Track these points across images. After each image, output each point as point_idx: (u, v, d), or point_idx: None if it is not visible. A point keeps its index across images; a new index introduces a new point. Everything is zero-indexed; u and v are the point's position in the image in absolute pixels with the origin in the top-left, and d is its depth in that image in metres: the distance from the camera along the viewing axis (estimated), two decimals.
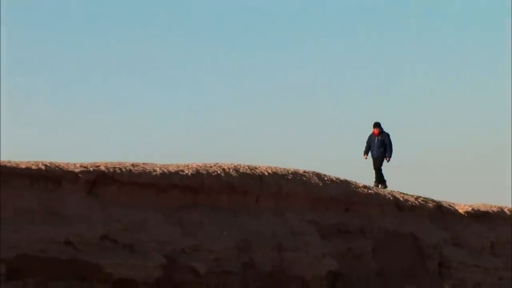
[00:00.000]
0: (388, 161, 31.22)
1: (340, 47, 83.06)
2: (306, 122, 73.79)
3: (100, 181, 24.55)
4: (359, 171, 33.97)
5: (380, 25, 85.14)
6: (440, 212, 31.84)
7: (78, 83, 71.64)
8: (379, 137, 30.75)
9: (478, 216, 32.49)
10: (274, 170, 27.94)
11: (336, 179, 29.50)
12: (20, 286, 21.75)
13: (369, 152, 31.48)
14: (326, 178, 29.06)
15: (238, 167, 27.22)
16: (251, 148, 59.22)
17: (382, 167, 31.49)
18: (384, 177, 31.32)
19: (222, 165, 27.01)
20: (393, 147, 31.07)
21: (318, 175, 28.95)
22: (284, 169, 28.35)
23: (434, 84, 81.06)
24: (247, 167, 27.40)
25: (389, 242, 29.85)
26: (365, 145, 31.55)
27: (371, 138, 31.28)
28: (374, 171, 31.75)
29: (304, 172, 28.76)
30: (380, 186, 30.96)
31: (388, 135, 31.08)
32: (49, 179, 23.80)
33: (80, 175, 24.12)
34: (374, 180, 31.34)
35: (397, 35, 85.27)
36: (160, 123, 68.71)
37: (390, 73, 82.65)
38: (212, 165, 26.83)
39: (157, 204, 25.31)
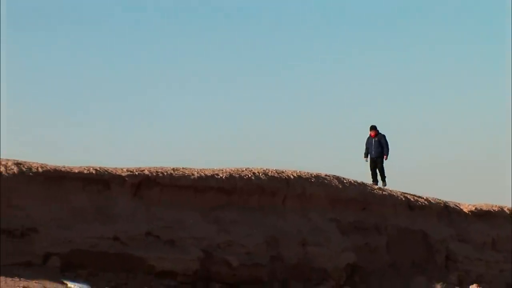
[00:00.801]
0: (386, 159, 31.02)
1: (356, 54, 79.76)
2: (328, 129, 70.96)
3: (144, 184, 24.63)
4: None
5: (379, 26, 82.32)
6: (447, 211, 31.72)
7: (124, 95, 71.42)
8: (376, 139, 30.59)
9: (481, 215, 32.36)
10: (299, 174, 27.94)
11: (354, 181, 29.47)
12: (72, 277, 21.78)
13: (368, 154, 31.25)
14: (345, 181, 29.05)
15: (267, 171, 27.23)
16: (278, 153, 58.95)
17: (384, 165, 31.23)
18: (385, 174, 31.12)
19: (252, 169, 27.02)
20: (389, 146, 30.86)
21: (337, 178, 28.94)
22: (308, 173, 28.31)
23: (441, 90, 78.71)
24: (274, 171, 27.42)
25: (401, 238, 29.76)
26: (365, 148, 31.31)
27: (368, 141, 31.08)
28: (370, 171, 31.45)
29: (326, 175, 28.72)
30: (382, 183, 30.72)
31: (384, 136, 30.93)
32: (99, 182, 23.94)
33: (126, 179, 24.22)
34: (373, 180, 31.06)
35: (399, 36, 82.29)
36: (197, 131, 68.25)
37: (394, 75, 79.89)
38: (244, 169, 26.85)
39: (195, 204, 25.36)
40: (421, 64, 79.68)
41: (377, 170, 31.27)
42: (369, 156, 31.35)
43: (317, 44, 78.46)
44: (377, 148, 30.55)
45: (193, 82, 73.89)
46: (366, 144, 31.05)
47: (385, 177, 31.03)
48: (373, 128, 30.79)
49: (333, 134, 71.19)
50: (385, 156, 30.83)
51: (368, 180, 31.26)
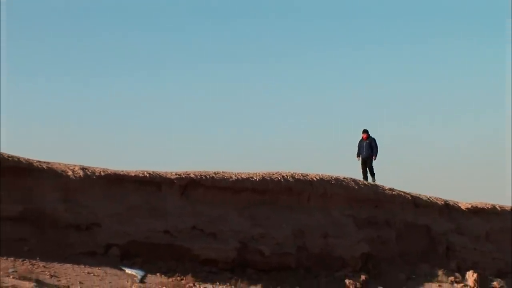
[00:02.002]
0: (374, 159, 30.55)
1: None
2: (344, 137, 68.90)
3: (190, 185, 24.63)
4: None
5: (380, 26, 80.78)
6: (447, 208, 31.47)
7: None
8: (367, 141, 30.20)
9: (476, 212, 32.12)
10: (321, 176, 27.81)
11: (368, 183, 29.29)
12: (129, 265, 21.75)
13: (360, 155, 30.83)
14: (360, 183, 28.96)
15: (294, 174, 27.13)
16: (304, 158, 58.84)
17: (374, 165, 30.82)
18: (374, 170, 30.74)
19: (281, 172, 26.94)
20: (378, 148, 30.53)
21: (354, 180, 28.81)
22: (329, 175, 28.18)
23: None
24: (300, 174, 27.31)
25: (408, 231, 29.55)
26: (357, 149, 30.85)
27: (360, 143, 30.66)
28: (361, 170, 30.94)
29: (344, 178, 28.58)
30: (372, 179, 30.35)
31: (374, 139, 30.48)
32: (152, 183, 23.97)
33: (175, 181, 24.26)
34: (363, 177, 30.66)
35: (399, 36, 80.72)
36: (235, 139, 68.19)
37: (395, 77, 79.06)
38: (275, 172, 26.76)
39: (233, 203, 25.31)
40: (422, 66, 78.73)
41: (367, 169, 30.83)
42: (360, 157, 30.94)
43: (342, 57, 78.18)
44: (368, 150, 30.15)
45: (226, 97, 73.76)
46: (358, 145, 30.60)
47: (374, 174, 30.51)
48: (365, 131, 30.42)
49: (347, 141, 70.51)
50: (374, 157, 30.41)
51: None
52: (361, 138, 30.54)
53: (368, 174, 30.73)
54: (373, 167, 30.56)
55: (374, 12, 78.24)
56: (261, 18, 77.00)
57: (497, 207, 32.73)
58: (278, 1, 76.99)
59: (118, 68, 72.30)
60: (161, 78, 73.53)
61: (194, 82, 73.47)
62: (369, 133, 30.39)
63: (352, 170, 30.69)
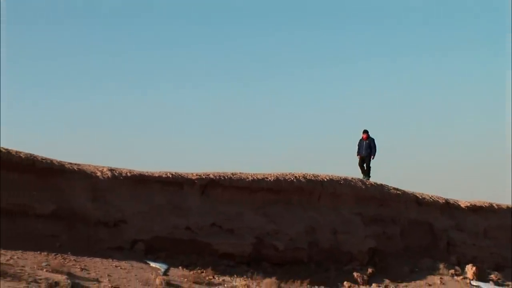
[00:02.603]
0: (373, 159, 30.25)
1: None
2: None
3: (210, 185, 24.59)
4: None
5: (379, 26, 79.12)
6: (448, 206, 31.33)
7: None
8: (367, 141, 29.92)
9: (475, 210, 32.00)
10: (331, 177, 27.72)
11: (374, 183, 29.21)
12: (154, 259, 21.73)
13: (359, 153, 30.55)
14: (367, 183, 28.78)
15: (306, 175, 27.05)
16: (315, 160, 58.75)
17: (371, 164, 30.49)
18: (370, 171, 30.44)
19: (294, 173, 26.87)
20: (377, 148, 30.25)
21: (361, 180, 28.75)
22: (338, 176, 28.09)
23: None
24: (311, 175, 27.23)
25: (411, 227, 29.46)
26: (357, 148, 30.52)
27: (360, 142, 30.37)
28: (359, 168, 30.56)
29: (352, 178, 28.51)
30: (366, 178, 30.10)
31: (373, 139, 30.17)
32: (174, 183, 23.97)
33: (196, 181, 24.23)
34: (362, 174, 30.33)
35: (401, 37, 79.08)
36: (251, 142, 68.07)
37: (398, 79, 77.88)
38: (288, 173, 26.69)
39: (249, 201, 25.25)
40: (424, 69, 77.73)
41: (365, 167, 30.56)
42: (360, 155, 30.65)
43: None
44: (367, 149, 29.86)
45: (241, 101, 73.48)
46: (358, 144, 30.31)
47: (370, 173, 30.26)
48: (365, 132, 30.14)
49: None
50: (372, 156, 30.16)
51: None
52: (361, 138, 30.31)
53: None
54: (371, 167, 30.33)
55: (375, 13, 77.22)
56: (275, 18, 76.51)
57: (494, 205, 32.64)
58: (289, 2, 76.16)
59: (138, 74, 72.09)
60: (179, 84, 73.78)
61: (212, 87, 73.58)
62: (369, 133, 30.15)
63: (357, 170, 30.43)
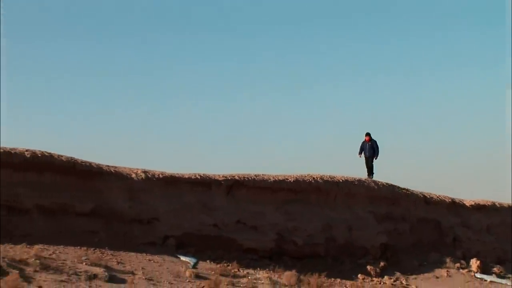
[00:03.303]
0: (375, 159, 29.59)
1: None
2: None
3: (235, 186, 24.52)
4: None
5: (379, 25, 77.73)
6: (454, 205, 31.09)
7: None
8: (370, 143, 29.45)
9: (479, 208, 31.76)
10: (346, 178, 27.56)
11: (386, 183, 28.96)
12: (184, 253, 21.70)
13: (362, 153, 29.95)
14: (379, 183, 28.57)
15: (323, 176, 26.89)
16: (331, 162, 58.45)
17: (374, 164, 29.78)
18: (374, 170, 29.79)
19: (312, 175, 26.72)
20: (379, 149, 29.63)
21: (374, 181, 28.52)
22: (352, 177, 27.93)
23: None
24: (328, 176, 27.07)
25: (420, 224, 29.23)
26: (359, 149, 29.77)
27: (363, 144, 29.75)
28: (366, 168, 29.80)
29: (365, 179, 28.35)
30: (369, 176, 29.66)
31: (375, 141, 29.61)
32: (203, 184, 23.94)
33: (222, 182, 24.17)
34: (367, 173, 29.74)
35: (401, 37, 77.23)
36: (272, 146, 67.73)
37: (401, 83, 76.18)
38: (306, 175, 26.56)
39: (271, 200, 25.12)
40: (425, 70, 76.20)
41: (370, 167, 30.08)
42: (362, 155, 30.09)
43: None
44: (370, 150, 29.32)
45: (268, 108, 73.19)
46: (361, 146, 29.69)
47: (373, 172, 29.65)
48: (368, 134, 29.62)
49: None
50: (375, 157, 29.73)
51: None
52: (364, 140, 29.87)
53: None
54: (373, 166, 29.88)
55: (376, 14, 76.13)
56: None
57: (496, 204, 32.45)
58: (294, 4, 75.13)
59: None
60: (205, 94, 73.24)
61: (235, 98, 73.27)
62: (371, 135, 29.76)
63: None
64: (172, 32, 71.89)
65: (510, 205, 32.82)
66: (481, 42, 75.52)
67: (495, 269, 28.10)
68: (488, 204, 32.25)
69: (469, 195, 32.99)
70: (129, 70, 69.58)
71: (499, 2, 67.28)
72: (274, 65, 74.96)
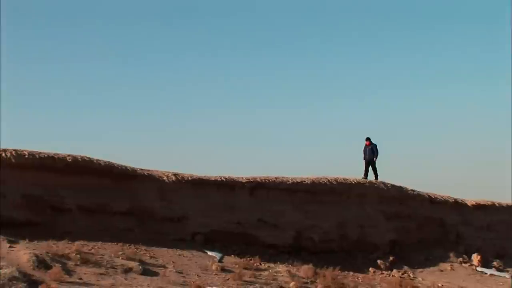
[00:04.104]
0: (375, 160, 28.63)
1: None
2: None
3: (257, 187, 24.45)
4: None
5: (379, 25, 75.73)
6: (457, 205, 30.82)
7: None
8: (370, 147, 28.82)
9: (479, 207, 31.49)
10: (358, 180, 27.46)
11: (394, 185, 28.71)
12: (210, 248, 21.58)
13: (365, 158, 29.16)
14: (388, 185, 28.34)
15: (337, 178, 26.75)
16: (344, 165, 58.15)
17: (376, 166, 28.84)
18: (377, 172, 28.83)
19: (327, 177, 26.57)
20: (379, 152, 28.71)
21: (383, 183, 28.27)
22: (364, 179, 27.77)
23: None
24: (342, 179, 26.90)
25: (426, 222, 28.93)
26: (363, 153, 28.70)
27: (364, 148, 28.68)
28: (364, 169, 28.64)
29: (375, 181, 28.11)
30: (375, 178, 28.79)
31: (375, 145, 28.78)
32: (227, 186, 23.89)
33: (245, 184, 24.15)
34: (364, 174, 28.67)
35: (401, 38, 75.39)
36: (291, 150, 67.54)
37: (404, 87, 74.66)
38: (322, 177, 26.40)
39: (290, 201, 25.00)
40: (427, 74, 74.73)
41: (371, 169, 28.74)
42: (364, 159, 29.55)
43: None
44: (370, 154, 28.69)
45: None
46: (363, 150, 28.93)
47: (377, 174, 28.76)
48: (368, 139, 29.00)
49: None
50: (375, 159, 29.19)
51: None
52: (365, 144, 29.35)
53: (372, 174, 29.35)
54: (377, 169, 29.34)
55: (378, 15, 74.32)
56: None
57: (496, 203, 32.18)
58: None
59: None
60: (228, 95, 72.99)
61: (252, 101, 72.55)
62: (371, 140, 29.26)
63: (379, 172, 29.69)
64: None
65: (509, 204, 32.55)
66: (483, 42, 74.05)
67: (494, 263, 27.92)
68: (489, 204, 31.98)
69: (471, 195, 32.79)
70: (160, 84, 69.39)
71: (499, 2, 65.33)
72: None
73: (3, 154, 19.34)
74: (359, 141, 28.98)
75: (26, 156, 19.71)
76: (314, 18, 73.37)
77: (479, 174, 61.31)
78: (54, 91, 63.40)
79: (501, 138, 61.52)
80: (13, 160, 19.36)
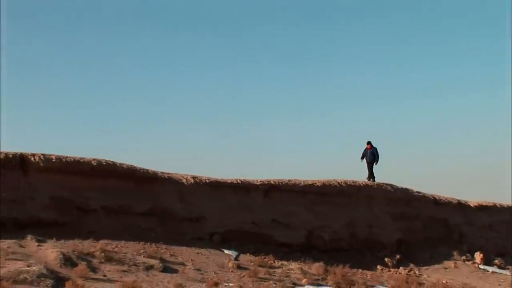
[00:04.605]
0: (376, 164, 28.30)
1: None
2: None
3: (271, 189, 24.40)
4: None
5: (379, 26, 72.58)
6: (460, 205, 30.57)
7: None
8: (371, 150, 28.51)
9: (482, 208, 31.23)
10: (366, 182, 27.33)
11: (401, 187, 28.52)
12: (227, 247, 21.49)
13: (364, 158, 28.29)
14: (394, 187, 28.15)
15: (346, 181, 26.62)
16: (352, 168, 57.80)
17: (374, 169, 28.40)
18: (374, 174, 28.45)
19: (337, 180, 26.44)
20: (379, 155, 28.27)
21: (391, 185, 28.06)
22: (372, 182, 27.60)
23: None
24: (351, 181, 26.78)
25: (430, 222, 28.68)
26: (361, 155, 28.04)
27: (365, 151, 28.21)
28: (368, 171, 28.31)
29: (383, 183, 27.90)
30: (371, 180, 28.32)
31: (376, 148, 28.35)
32: (243, 188, 23.86)
33: (259, 186, 24.09)
34: (367, 176, 28.31)
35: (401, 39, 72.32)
36: (303, 154, 66.88)
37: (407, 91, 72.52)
38: (332, 180, 26.27)
39: (302, 202, 24.88)
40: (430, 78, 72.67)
41: (370, 171, 28.98)
42: (364, 161, 28.35)
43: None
44: (371, 157, 28.24)
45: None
46: (363, 152, 28.29)
47: (374, 176, 28.27)
48: (369, 143, 28.60)
49: None
50: (375, 163, 28.78)
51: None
52: (365, 147, 28.98)
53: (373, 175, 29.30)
54: (373, 171, 28.67)
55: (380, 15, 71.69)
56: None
57: (497, 204, 31.94)
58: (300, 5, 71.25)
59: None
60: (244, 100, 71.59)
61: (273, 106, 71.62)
62: (372, 144, 28.96)
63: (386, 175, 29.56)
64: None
65: (510, 205, 32.33)
66: (483, 43, 71.71)
67: (496, 261, 27.68)
68: (490, 205, 31.75)
69: (474, 197, 32.59)
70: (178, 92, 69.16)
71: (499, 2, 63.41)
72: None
73: (32, 158, 19.44)
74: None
75: (54, 160, 19.79)
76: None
77: (481, 175, 60.78)
78: (85, 98, 62.64)
79: (502, 140, 60.66)
80: (41, 164, 19.46)
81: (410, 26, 72.40)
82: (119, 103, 64.22)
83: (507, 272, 26.48)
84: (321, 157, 65.34)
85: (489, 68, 72.07)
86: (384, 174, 30.32)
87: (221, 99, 70.24)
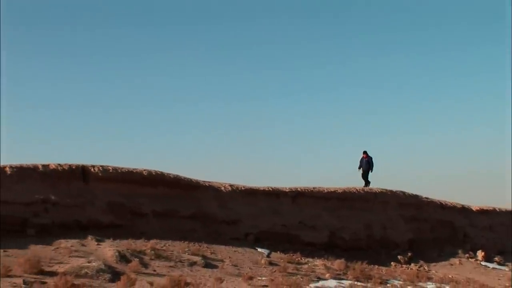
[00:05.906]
0: (371, 172, 27.18)
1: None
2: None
3: (298, 196, 24.13)
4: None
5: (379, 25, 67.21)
6: (464, 209, 29.93)
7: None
8: (366, 159, 27.66)
9: (483, 212, 30.55)
10: (381, 190, 26.80)
11: (411, 194, 28.01)
12: (260, 246, 21.24)
13: (361, 168, 27.31)
14: (406, 193, 27.66)
15: (364, 188, 26.30)
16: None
17: (369, 177, 27.20)
18: (369, 179, 27.18)
19: (356, 187, 26.10)
20: (374, 164, 27.22)
21: (403, 192, 27.56)
22: (386, 189, 27.03)
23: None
24: (368, 188, 26.42)
25: (438, 224, 28.08)
26: (359, 164, 27.03)
27: (361, 160, 27.21)
28: (363, 179, 27.15)
29: (396, 190, 27.42)
30: (367, 185, 27.13)
31: (371, 157, 27.31)
32: (273, 194, 23.67)
33: (288, 193, 23.89)
34: (364, 184, 27.19)
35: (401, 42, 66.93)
36: (327, 164, 65.02)
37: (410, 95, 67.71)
38: (352, 187, 25.95)
39: (325, 206, 24.55)
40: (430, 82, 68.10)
41: (366, 178, 27.56)
42: (361, 169, 27.23)
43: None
44: (366, 165, 27.41)
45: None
46: (360, 162, 27.33)
47: (369, 182, 27.05)
48: (365, 152, 27.42)
49: None
50: (370, 171, 27.44)
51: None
52: (361, 157, 27.92)
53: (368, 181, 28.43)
54: (368, 178, 27.32)
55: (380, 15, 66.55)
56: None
57: (497, 209, 31.30)
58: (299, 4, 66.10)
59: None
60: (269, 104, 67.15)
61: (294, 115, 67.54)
62: (368, 153, 28.08)
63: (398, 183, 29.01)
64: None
65: (508, 210, 31.67)
66: (483, 43, 67.48)
67: (496, 258, 27.07)
68: (490, 209, 31.09)
69: (475, 201, 31.98)
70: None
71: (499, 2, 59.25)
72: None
73: (92, 169, 19.52)
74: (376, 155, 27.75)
75: (111, 171, 19.85)
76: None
77: (484, 181, 59.01)
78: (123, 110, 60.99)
79: (503, 148, 58.31)
80: (100, 174, 19.51)
81: (410, 26, 68.36)
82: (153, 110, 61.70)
83: (506, 268, 26.04)
84: (343, 166, 63.78)
85: (490, 73, 67.83)
86: (396, 182, 29.77)
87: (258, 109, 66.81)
